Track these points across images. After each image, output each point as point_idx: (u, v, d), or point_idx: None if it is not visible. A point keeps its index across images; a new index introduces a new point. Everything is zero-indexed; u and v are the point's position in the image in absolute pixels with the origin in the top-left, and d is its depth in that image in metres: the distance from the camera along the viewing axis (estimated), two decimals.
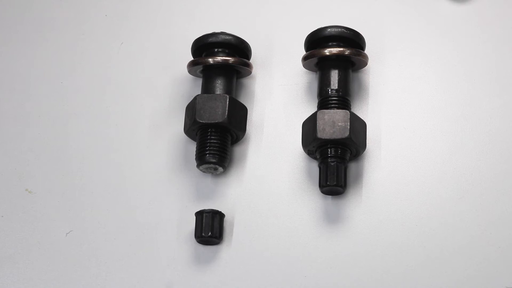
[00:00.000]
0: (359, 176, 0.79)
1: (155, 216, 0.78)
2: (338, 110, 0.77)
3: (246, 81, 0.85)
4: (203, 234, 0.75)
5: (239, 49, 0.82)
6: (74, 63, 0.88)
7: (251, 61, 0.84)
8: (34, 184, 0.81)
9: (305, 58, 0.81)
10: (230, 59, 0.81)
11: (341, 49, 0.79)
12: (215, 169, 0.79)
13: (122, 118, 0.85)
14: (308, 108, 0.83)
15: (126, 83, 0.87)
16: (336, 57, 0.80)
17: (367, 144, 0.78)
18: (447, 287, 0.73)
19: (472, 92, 0.83)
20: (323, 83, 0.80)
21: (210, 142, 0.78)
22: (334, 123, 0.75)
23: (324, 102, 0.79)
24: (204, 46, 0.82)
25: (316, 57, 0.80)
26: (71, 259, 0.77)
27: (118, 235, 0.78)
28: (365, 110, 0.82)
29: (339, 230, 0.77)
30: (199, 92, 0.82)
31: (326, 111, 0.76)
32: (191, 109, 0.79)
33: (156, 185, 0.80)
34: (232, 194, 0.79)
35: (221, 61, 0.80)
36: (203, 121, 0.78)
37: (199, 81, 0.84)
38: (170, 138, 0.83)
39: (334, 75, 0.80)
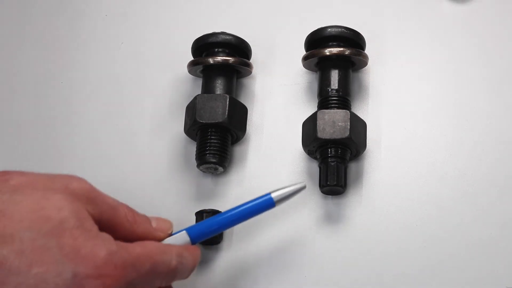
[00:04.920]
0: (359, 176, 0.79)
1: (155, 215, 0.78)
2: (338, 110, 0.77)
3: (246, 81, 0.85)
4: None
5: (239, 49, 0.82)
6: (74, 63, 0.88)
7: (251, 61, 0.84)
8: None
9: (305, 58, 0.82)
10: (230, 59, 0.81)
11: (341, 49, 0.79)
12: (215, 169, 0.79)
13: (122, 118, 0.85)
14: (308, 108, 0.83)
15: (126, 83, 0.87)
16: (336, 57, 0.80)
17: (367, 144, 0.78)
18: (447, 287, 0.73)
19: (472, 92, 0.83)
20: (323, 83, 0.80)
21: (210, 142, 0.78)
22: (334, 123, 0.75)
23: (324, 102, 0.79)
24: (204, 46, 0.82)
25: (316, 57, 0.80)
26: None
27: None
28: (365, 110, 0.82)
29: (339, 230, 0.77)
30: (199, 92, 0.82)
31: (326, 111, 0.76)
32: (191, 109, 0.79)
33: (156, 185, 0.80)
34: (232, 194, 0.79)
35: (221, 61, 0.81)
36: (203, 121, 0.78)
37: (199, 81, 0.84)
38: (170, 138, 0.83)
39: (334, 75, 0.80)
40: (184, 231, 0.68)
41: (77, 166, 0.82)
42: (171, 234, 0.68)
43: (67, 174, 0.63)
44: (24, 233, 0.56)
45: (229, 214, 0.69)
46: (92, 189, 0.63)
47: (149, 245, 0.64)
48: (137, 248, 0.62)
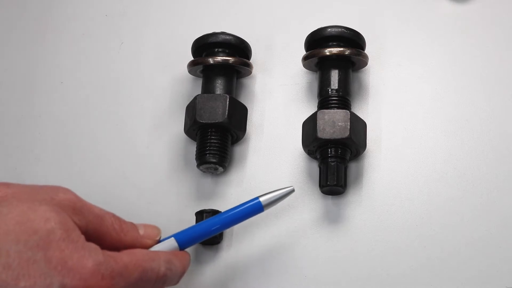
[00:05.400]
0: (359, 176, 0.79)
1: (155, 216, 0.78)
2: (338, 110, 0.77)
3: (246, 81, 0.85)
4: None
5: (239, 49, 0.82)
6: (74, 63, 0.88)
7: (251, 61, 0.84)
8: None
9: (305, 58, 0.81)
10: (230, 59, 0.81)
11: (342, 49, 0.79)
12: (215, 169, 0.79)
13: (122, 118, 0.85)
14: (308, 108, 0.83)
15: (126, 83, 0.87)
16: (336, 57, 0.80)
17: (367, 144, 0.78)
18: (447, 287, 0.73)
19: (472, 92, 0.83)
20: (323, 83, 0.80)
21: (210, 142, 0.78)
22: (334, 123, 0.75)
23: (324, 102, 0.79)
24: (204, 46, 0.82)
25: (316, 57, 0.80)
26: None
27: None
28: (365, 110, 0.82)
29: (339, 230, 0.77)
30: (199, 92, 0.82)
31: (326, 111, 0.76)
32: (191, 109, 0.79)
33: (156, 185, 0.80)
34: (232, 194, 0.79)
35: (222, 61, 0.80)
36: (203, 121, 0.78)
37: (199, 81, 0.84)
38: (170, 138, 0.83)
39: (334, 75, 0.80)
40: (172, 238, 0.68)
41: (77, 166, 0.82)
42: (159, 241, 0.68)
43: (52, 185, 0.63)
44: (11, 246, 0.56)
45: (218, 219, 0.69)
46: (78, 200, 0.63)
47: (137, 253, 0.64)
48: (124, 257, 0.62)
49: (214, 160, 0.78)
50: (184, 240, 0.68)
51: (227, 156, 0.79)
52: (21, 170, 0.82)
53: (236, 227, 0.77)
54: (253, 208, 0.69)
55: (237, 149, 0.82)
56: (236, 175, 0.80)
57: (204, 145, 0.78)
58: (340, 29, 0.80)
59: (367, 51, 0.82)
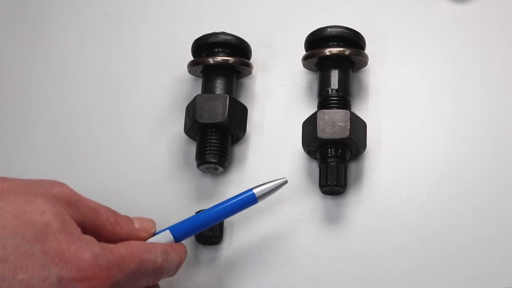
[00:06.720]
0: (359, 176, 0.79)
1: (155, 216, 0.78)
2: (338, 110, 0.77)
3: (246, 81, 0.85)
4: (203, 234, 0.75)
5: (239, 49, 0.82)
6: (74, 63, 0.88)
7: (251, 61, 0.84)
8: None
9: (305, 58, 0.81)
10: (230, 59, 0.81)
11: (342, 49, 0.79)
12: (215, 169, 0.79)
13: (122, 118, 0.85)
14: (308, 108, 0.83)
15: (126, 83, 0.87)
16: (336, 57, 0.80)
17: (367, 144, 0.78)
18: (447, 287, 0.73)
19: (472, 92, 0.83)
20: (323, 83, 0.80)
21: (210, 142, 0.78)
22: (334, 123, 0.75)
23: (324, 102, 0.79)
24: (204, 46, 0.82)
25: (316, 57, 0.80)
26: None
27: None
28: (365, 110, 0.82)
29: (339, 230, 0.77)
30: (199, 92, 0.82)
31: (326, 111, 0.76)
32: (191, 109, 0.79)
33: (156, 185, 0.80)
34: (232, 194, 0.79)
35: (221, 61, 0.80)
36: (203, 121, 0.78)
37: (199, 81, 0.84)
38: (170, 138, 0.83)
39: (334, 75, 0.80)
40: (167, 230, 0.68)
41: (77, 166, 0.82)
42: (154, 234, 0.68)
43: (47, 179, 0.64)
44: (8, 239, 0.56)
45: (212, 211, 0.69)
46: (72, 193, 0.63)
47: (133, 245, 0.64)
48: (121, 248, 0.62)
49: (214, 160, 0.78)
50: (179, 232, 0.68)
51: (227, 156, 0.79)
52: (21, 170, 0.82)
53: (235, 226, 0.77)
54: (247, 200, 0.69)
55: (237, 149, 0.82)
56: (236, 175, 0.80)
57: (204, 145, 0.78)
58: (340, 29, 0.80)
59: (367, 51, 0.82)
